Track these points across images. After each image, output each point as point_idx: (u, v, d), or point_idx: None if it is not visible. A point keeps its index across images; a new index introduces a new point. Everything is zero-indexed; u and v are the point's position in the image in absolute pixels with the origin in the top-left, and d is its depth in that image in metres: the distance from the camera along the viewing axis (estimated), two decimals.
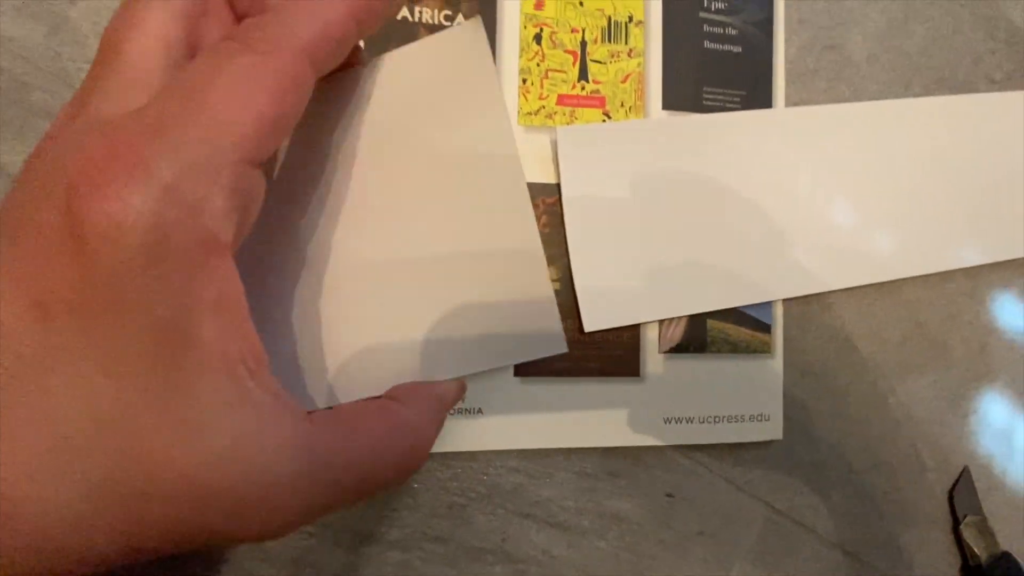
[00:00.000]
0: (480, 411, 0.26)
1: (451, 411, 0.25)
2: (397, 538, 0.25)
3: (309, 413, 0.14)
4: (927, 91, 0.31)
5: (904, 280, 0.30)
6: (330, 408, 0.19)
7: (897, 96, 0.31)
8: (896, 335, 0.31)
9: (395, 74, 0.19)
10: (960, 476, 0.31)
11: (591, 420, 0.26)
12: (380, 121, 0.20)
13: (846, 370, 0.30)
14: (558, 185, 0.26)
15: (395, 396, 0.18)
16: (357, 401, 0.19)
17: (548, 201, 0.26)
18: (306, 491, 0.12)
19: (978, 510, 0.31)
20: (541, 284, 0.21)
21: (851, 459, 0.30)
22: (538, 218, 0.26)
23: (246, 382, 0.11)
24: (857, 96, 0.31)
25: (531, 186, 0.26)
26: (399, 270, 0.20)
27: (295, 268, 0.20)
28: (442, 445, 0.25)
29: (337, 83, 0.19)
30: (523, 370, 0.26)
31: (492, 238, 0.21)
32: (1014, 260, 0.31)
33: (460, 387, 0.20)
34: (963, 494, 0.31)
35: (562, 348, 0.21)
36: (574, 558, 0.27)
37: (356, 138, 0.20)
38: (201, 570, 0.24)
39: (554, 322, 0.21)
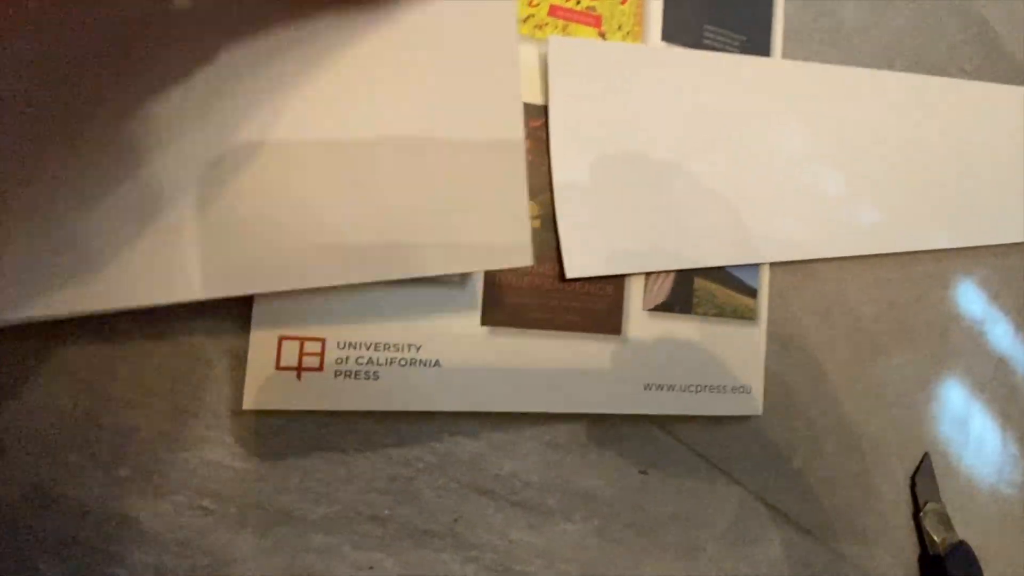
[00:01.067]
0: (437, 363, 0.21)
1: (400, 359, 0.21)
2: (322, 517, 0.20)
3: None
4: (907, 70, 0.31)
5: (880, 258, 0.30)
6: None
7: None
8: (870, 312, 0.30)
9: (419, 19, 0.18)
10: (921, 462, 0.30)
11: (566, 382, 0.23)
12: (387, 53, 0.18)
13: (824, 346, 0.28)
14: (544, 107, 0.23)
15: None
16: None
17: (533, 124, 0.23)
18: None
19: (937, 497, 0.30)
20: (516, 184, 0.18)
21: (824, 440, 0.28)
22: None
23: None
24: (846, 63, 0.30)
25: None
26: (363, 151, 0.17)
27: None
28: (386, 402, 0.20)
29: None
30: (491, 318, 0.22)
31: (471, 125, 0.17)
32: (978, 247, 0.32)
33: None
34: (924, 481, 0.30)
35: (528, 260, 0.19)
36: (536, 543, 0.23)
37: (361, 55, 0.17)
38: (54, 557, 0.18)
39: (523, 229, 0.19)
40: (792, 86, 0.27)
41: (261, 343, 0.19)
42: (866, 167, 0.28)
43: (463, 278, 0.22)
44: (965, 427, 0.32)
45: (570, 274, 0.22)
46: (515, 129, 0.18)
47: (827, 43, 0.29)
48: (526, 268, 0.22)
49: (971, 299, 0.32)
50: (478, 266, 0.20)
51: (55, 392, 0.18)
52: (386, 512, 0.21)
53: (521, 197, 0.19)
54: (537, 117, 0.23)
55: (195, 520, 0.19)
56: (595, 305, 0.23)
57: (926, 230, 0.30)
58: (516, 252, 0.19)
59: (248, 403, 0.19)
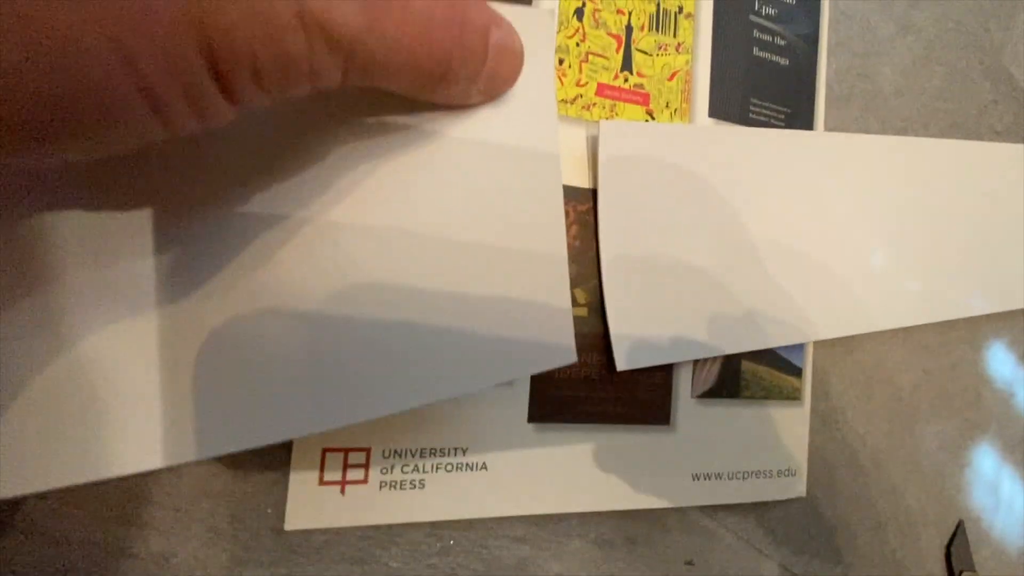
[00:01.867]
0: (484, 466, 0.20)
1: (447, 464, 0.19)
2: None
3: None
4: (942, 133, 0.31)
5: (916, 327, 0.29)
6: None
7: (917, 134, 0.30)
8: (908, 382, 0.29)
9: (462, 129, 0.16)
10: (956, 531, 0.30)
11: (614, 478, 0.22)
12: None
13: (863, 418, 0.28)
14: (592, 191, 0.22)
15: None
16: None
17: (580, 209, 0.22)
18: None
19: (971, 566, 0.30)
20: (558, 289, 0.17)
21: (863, 515, 0.28)
22: (568, 227, 0.22)
23: None
24: (884, 129, 0.29)
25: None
26: (405, 253, 0.15)
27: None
28: (433, 512, 0.19)
29: None
30: (538, 415, 0.21)
31: (513, 235, 0.16)
32: (1009, 311, 0.31)
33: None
34: (958, 550, 0.30)
35: (572, 358, 0.17)
36: None
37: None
38: None
39: (567, 331, 0.17)
40: (835, 158, 0.26)
41: (304, 456, 0.18)
42: (907, 237, 0.28)
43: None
44: (996, 492, 0.32)
45: (620, 367, 0.21)
46: (559, 244, 0.17)
47: (867, 108, 0.29)
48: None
49: (1002, 361, 0.32)
50: (523, 373, 0.19)
51: (85, 524, 0.16)
52: None
53: (564, 298, 0.18)
54: (584, 201, 0.22)
55: None
56: (644, 394, 0.23)
57: (963, 297, 0.29)
58: (562, 353, 0.18)
59: (291, 523, 0.18)
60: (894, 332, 0.29)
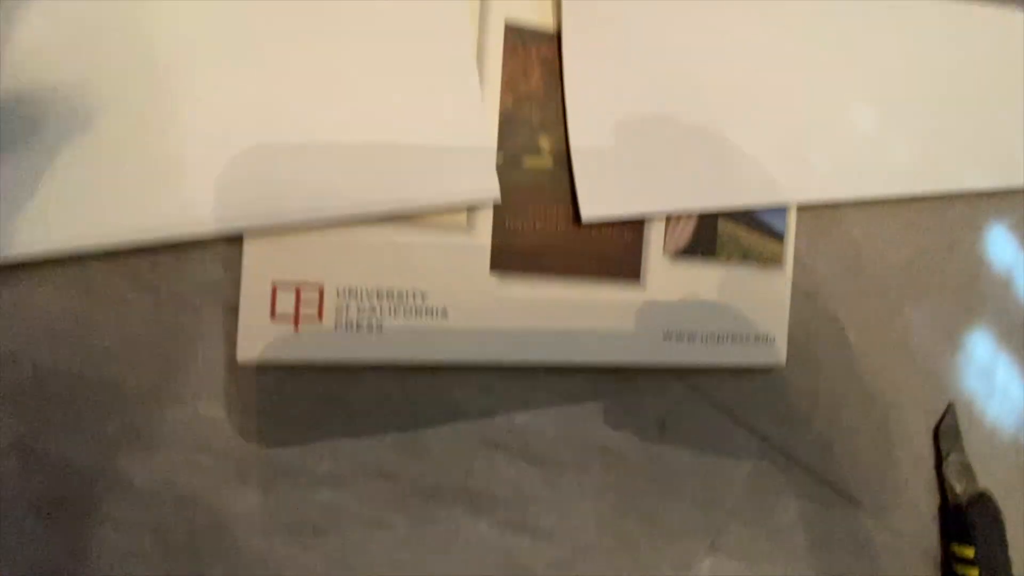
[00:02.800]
0: (445, 313, 0.20)
1: (405, 308, 0.19)
2: (328, 472, 0.19)
3: None
4: None
5: (910, 203, 0.28)
6: None
7: None
8: (900, 259, 0.28)
9: None
10: (945, 413, 0.29)
11: (581, 331, 0.21)
12: None
13: (850, 294, 0.27)
14: (557, 34, 0.21)
15: None
16: None
17: (544, 52, 0.21)
18: None
19: (960, 449, 0.29)
20: (475, 114, 0.18)
21: (847, 391, 0.27)
22: (530, 72, 0.21)
23: None
24: None
25: (522, 32, 0.20)
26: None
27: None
28: (391, 353, 0.19)
29: None
30: (500, 264, 0.20)
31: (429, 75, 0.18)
32: (1011, 191, 0.30)
33: None
34: (947, 432, 0.29)
35: (494, 192, 0.19)
36: (550, 497, 0.22)
37: None
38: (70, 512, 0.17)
39: (488, 165, 0.19)
40: (822, 13, 0.24)
41: (253, 290, 0.18)
42: (898, 101, 0.26)
43: (469, 221, 0.20)
44: (991, 378, 0.31)
45: (586, 216, 0.21)
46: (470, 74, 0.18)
47: None
48: (538, 210, 0.21)
49: (1002, 245, 0.31)
50: (445, 199, 0.19)
51: (32, 344, 0.16)
52: (394, 467, 0.20)
53: (482, 125, 0.19)
54: (549, 44, 0.21)
55: (193, 477, 0.18)
56: (612, 250, 0.22)
57: (960, 169, 0.28)
58: (485, 187, 0.19)
59: (242, 355, 0.18)
60: (886, 207, 0.27)
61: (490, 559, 0.21)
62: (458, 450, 0.20)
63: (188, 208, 0.16)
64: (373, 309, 0.19)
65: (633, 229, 0.22)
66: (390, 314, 0.19)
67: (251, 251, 0.18)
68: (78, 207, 0.15)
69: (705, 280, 0.23)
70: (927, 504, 0.29)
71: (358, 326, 0.19)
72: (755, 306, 0.24)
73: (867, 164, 0.26)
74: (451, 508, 0.20)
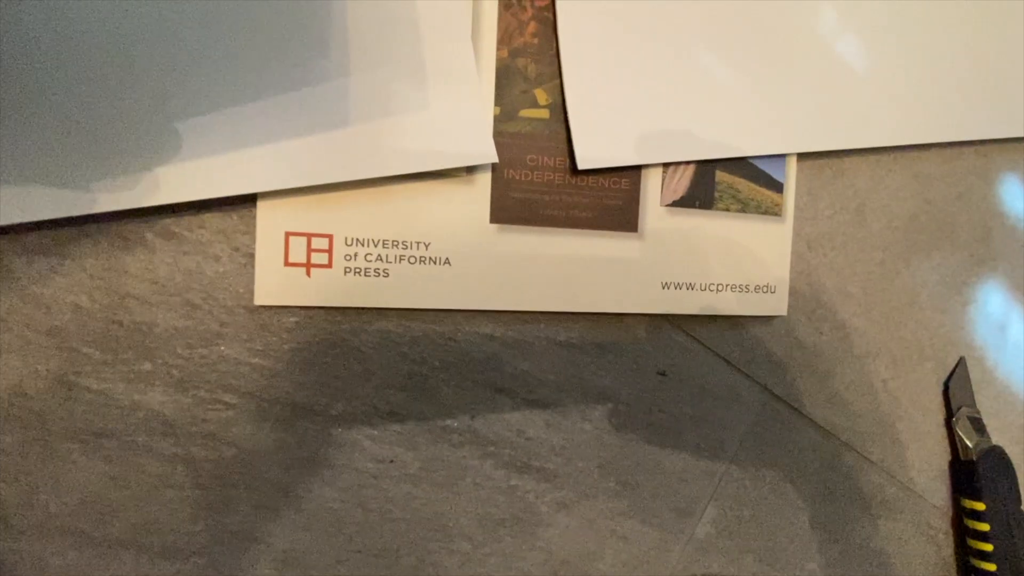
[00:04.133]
0: (447, 261, 0.21)
1: (410, 256, 0.20)
2: (341, 412, 0.20)
3: None
4: None
5: (918, 153, 0.28)
6: None
7: None
8: (906, 210, 0.28)
9: None
10: (956, 367, 0.29)
11: (579, 280, 0.22)
12: None
13: (855, 245, 0.27)
14: None
15: None
16: None
17: (538, 3, 0.21)
18: None
19: (972, 403, 0.29)
20: (470, 80, 0.19)
21: (852, 343, 0.27)
22: (526, 24, 0.21)
23: None
24: None
25: None
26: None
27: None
28: (397, 299, 0.20)
29: None
30: (500, 215, 0.21)
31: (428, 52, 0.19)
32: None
33: None
34: (958, 386, 0.29)
35: (492, 157, 0.20)
36: (553, 440, 0.23)
37: None
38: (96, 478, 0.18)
39: (485, 132, 0.20)
40: None
41: (267, 239, 0.19)
42: (901, 46, 0.26)
43: (469, 172, 0.21)
44: (1003, 332, 0.30)
45: (582, 165, 0.21)
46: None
47: None
48: (535, 161, 0.22)
49: (1015, 195, 0.30)
50: (442, 164, 0.20)
51: (71, 289, 0.18)
52: (403, 409, 0.21)
53: (476, 89, 0.20)
54: None
55: (218, 414, 0.19)
56: (609, 201, 0.22)
57: (968, 118, 0.28)
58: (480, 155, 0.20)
59: (259, 299, 0.19)
60: (891, 156, 0.27)
61: (496, 498, 0.22)
62: (464, 393, 0.22)
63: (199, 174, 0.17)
64: (380, 257, 0.20)
65: (630, 180, 0.23)
66: (395, 262, 0.20)
67: (264, 205, 0.19)
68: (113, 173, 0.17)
69: (703, 230, 0.23)
70: (937, 459, 0.29)
71: (366, 272, 0.20)
72: (755, 257, 0.24)
73: (868, 111, 0.25)
74: (458, 448, 0.22)
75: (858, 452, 0.28)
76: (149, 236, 0.18)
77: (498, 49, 0.21)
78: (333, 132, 0.18)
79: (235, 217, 0.19)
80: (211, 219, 0.19)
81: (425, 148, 0.19)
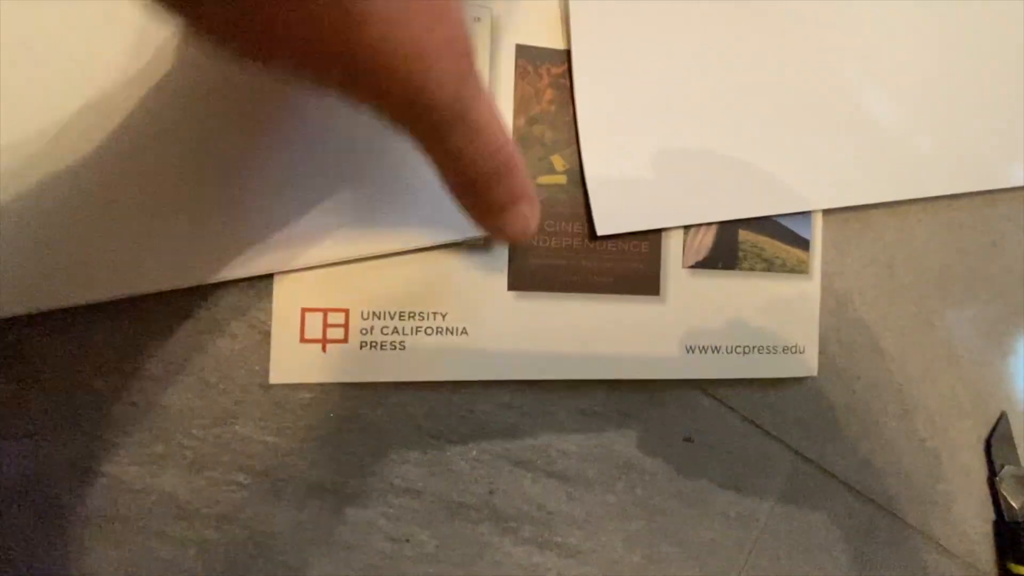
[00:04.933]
0: (464, 331, 0.20)
1: (426, 328, 0.20)
2: (356, 490, 0.20)
3: None
4: None
5: (948, 202, 0.27)
6: None
7: None
8: (938, 261, 0.27)
9: None
10: (997, 423, 0.28)
11: (600, 347, 0.21)
12: None
13: (885, 299, 0.26)
14: (567, 51, 0.21)
15: None
16: None
17: (554, 71, 0.21)
18: None
19: (1016, 460, 0.28)
20: None
21: (886, 401, 0.26)
22: (542, 92, 0.21)
23: None
24: None
25: (535, 51, 0.21)
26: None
27: None
28: (414, 372, 0.20)
29: None
30: (518, 282, 0.21)
31: None
32: None
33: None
34: (1000, 443, 0.28)
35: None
36: (575, 514, 0.22)
37: None
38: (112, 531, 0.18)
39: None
40: (836, 12, 0.24)
41: (284, 316, 0.19)
42: (927, 94, 0.25)
43: (487, 241, 0.20)
44: None
45: (601, 231, 0.21)
46: None
47: None
48: (554, 227, 0.21)
49: None
50: (459, 239, 0.20)
51: (86, 373, 0.18)
52: (420, 485, 0.20)
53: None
54: (559, 63, 0.21)
55: (231, 494, 0.19)
56: (630, 264, 0.22)
57: (1001, 166, 0.27)
58: None
59: (275, 377, 0.19)
60: (920, 208, 0.26)
61: None
62: (482, 467, 0.21)
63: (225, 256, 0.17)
64: (396, 330, 0.20)
65: (650, 243, 0.22)
66: (412, 334, 0.20)
67: (281, 281, 0.19)
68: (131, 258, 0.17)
69: (727, 292, 0.23)
70: (980, 520, 0.27)
71: (382, 346, 0.20)
72: (782, 316, 0.24)
73: (896, 165, 0.25)
74: (476, 525, 0.21)
75: (896, 516, 0.26)
76: (165, 315, 0.18)
77: (515, 118, 0.21)
78: (353, 209, 0.18)
79: (251, 294, 0.19)
80: (227, 296, 0.19)
81: (444, 220, 0.19)
